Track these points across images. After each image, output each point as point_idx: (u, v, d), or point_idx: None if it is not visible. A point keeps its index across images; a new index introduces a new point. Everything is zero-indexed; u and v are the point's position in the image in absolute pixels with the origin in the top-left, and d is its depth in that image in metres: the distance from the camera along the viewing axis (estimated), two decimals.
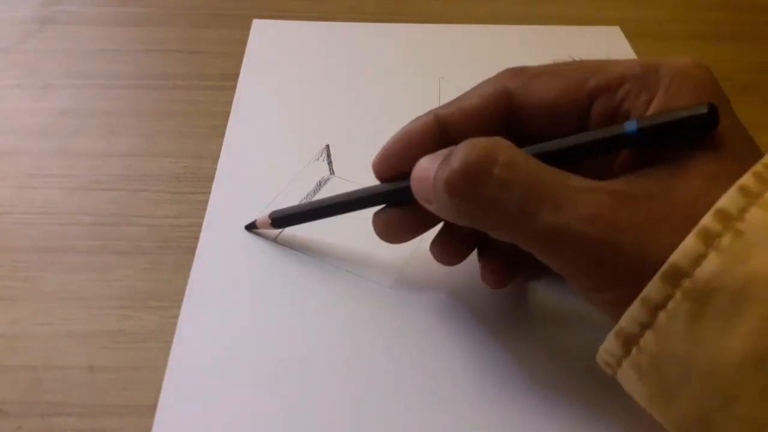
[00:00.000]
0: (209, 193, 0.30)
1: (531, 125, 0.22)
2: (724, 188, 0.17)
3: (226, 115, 0.35)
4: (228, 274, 0.27)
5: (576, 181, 0.19)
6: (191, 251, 0.28)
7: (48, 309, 0.26)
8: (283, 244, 0.28)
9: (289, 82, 0.37)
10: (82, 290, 0.27)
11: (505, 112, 0.22)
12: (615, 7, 0.45)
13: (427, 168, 0.21)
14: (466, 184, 0.19)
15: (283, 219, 0.28)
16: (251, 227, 0.29)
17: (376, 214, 0.25)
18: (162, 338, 0.25)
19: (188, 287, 0.26)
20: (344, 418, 0.23)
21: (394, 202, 0.24)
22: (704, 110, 0.19)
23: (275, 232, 0.29)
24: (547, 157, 0.20)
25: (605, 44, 0.41)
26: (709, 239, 0.17)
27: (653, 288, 0.17)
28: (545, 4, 0.45)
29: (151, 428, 0.22)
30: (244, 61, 0.38)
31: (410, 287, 0.27)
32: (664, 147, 0.20)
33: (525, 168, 0.19)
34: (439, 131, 0.23)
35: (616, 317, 0.19)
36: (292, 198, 0.30)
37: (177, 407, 0.23)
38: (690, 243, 0.17)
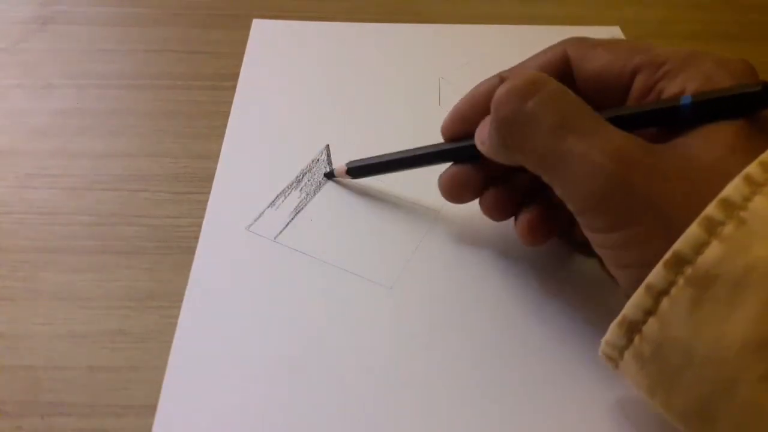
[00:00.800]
0: (209, 193, 0.30)
1: (581, 92, 0.23)
2: (743, 159, 0.18)
3: (226, 115, 0.35)
4: (228, 274, 0.27)
5: (608, 124, 0.20)
6: (191, 251, 0.28)
7: (48, 309, 0.26)
8: (282, 244, 0.28)
9: (289, 82, 0.37)
10: (82, 290, 0.27)
11: (563, 77, 0.23)
12: (615, 7, 0.45)
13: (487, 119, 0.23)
14: (511, 98, 0.21)
15: (358, 169, 0.29)
16: (330, 176, 0.31)
17: (442, 174, 0.27)
18: (162, 338, 0.25)
19: (188, 287, 0.26)
20: (344, 418, 0.23)
21: (462, 158, 0.26)
22: (758, 88, 0.19)
23: (274, 232, 0.29)
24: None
25: None
26: (712, 228, 0.17)
27: (657, 275, 0.18)
28: (545, 4, 0.45)
29: (151, 428, 0.22)
30: (244, 61, 0.38)
31: (410, 287, 0.27)
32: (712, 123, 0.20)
33: (568, 97, 0.21)
34: None
35: (617, 263, 0.20)
36: (292, 198, 0.30)
37: (177, 407, 0.23)
38: (693, 231, 0.17)
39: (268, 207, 0.30)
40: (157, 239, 0.29)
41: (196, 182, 0.31)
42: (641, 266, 0.19)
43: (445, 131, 0.27)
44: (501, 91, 0.22)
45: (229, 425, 0.22)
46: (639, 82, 0.22)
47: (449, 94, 0.37)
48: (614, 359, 0.20)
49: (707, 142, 0.19)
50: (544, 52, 0.25)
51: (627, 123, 0.21)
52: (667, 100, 0.21)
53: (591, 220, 0.20)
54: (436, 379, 0.24)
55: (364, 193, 0.31)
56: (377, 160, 0.29)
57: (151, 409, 0.23)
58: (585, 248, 0.25)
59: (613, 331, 0.19)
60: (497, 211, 0.27)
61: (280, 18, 0.42)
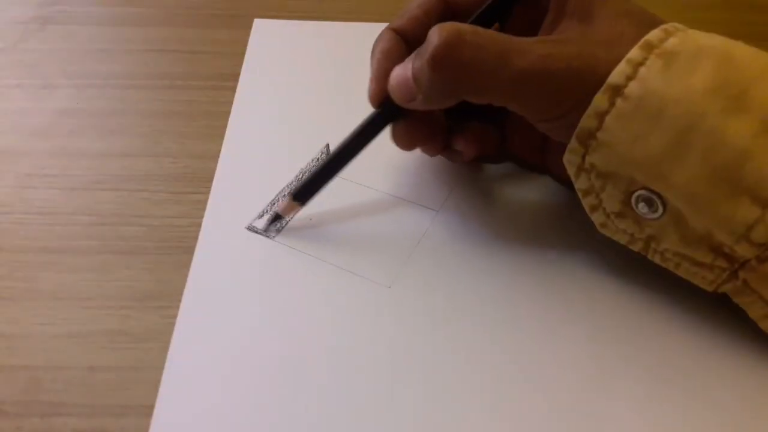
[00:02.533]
0: (209, 193, 0.30)
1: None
2: (635, 21, 0.24)
3: (226, 115, 0.35)
4: (227, 273, 0.27)
5: (524, 39, 0.24)
6: (191, 251, 0.28)
7: (48, 309, 0.26)
8: (282, 244, 0.28)
9: (290, 82, 0.37)
10: (82, 290, 0.27)
11: (444, 15, 0.27)
12: None
13: (400, 70, 0.25)
14: (447, 54, 0.23)
15: (303, 193, 0.28)
16: (277, 218, 0.29)
17: (391, 131, 0.28)
18: (162, 338, 0.25)
19: (187, 287, 0.26)
20: (343, 418, 0.23)
21: (390, 119, 0.27)
22: None
23: (274, 231, 0.29)
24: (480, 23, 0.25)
25: None
26: (662, 37, 0.22)
27: (634, 53, 0.22)
28: None
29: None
30: (245, 60, 0.38)
31: (410, 287, 0.27)
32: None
33: (488, 33, 0.24)
34: (403, 45, 0.27)
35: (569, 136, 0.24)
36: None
37: (175, 407, 0.23)
38: (654, 33, 0.22)
39: (268, 206, 0.30)
40: (157, 239, 0.29)
41: (196, 182, 0.31)
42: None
43: (374, 101, 0.28)
44: (429, 54, 0.23)
45: (228, 425, 0.22)
46: None
47: None
48: (591, 130, 0.23)
49: (588, 22, 0.24)
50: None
51: (493, 14, 0.26)
52: None
53: (548, 115, 0.24)
54: (435, 378, 0.24)
55: (364, 193, 0.31)
56: (315, 174, 0.28)
57: (151, 409, 0.23)
58: (524, 160, 0.31)
59: (596, 99, 0.22)
60: (417, 141, 0.29)
61: (280, 18, 0.42)
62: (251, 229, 0.29)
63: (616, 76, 0.22)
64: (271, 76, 0.37)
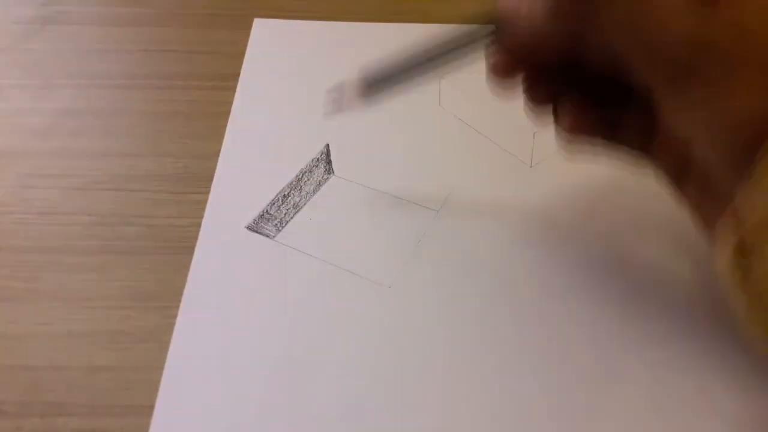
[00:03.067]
0: (209, 192, 0.30)
1: None
2: None
3: (226, 115, 0.35)
4: (226, 273, 0.27)
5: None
6: (191, 251, 0.28)
7: (48, 309, 0.26)
8: (282, 244, 0.28)
9: (290, 82, 0.37)
10: (82, 290, 0.27)
11: None
12: None
13: None
14: None
15: (375, 83, 0.25)
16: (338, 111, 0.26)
17: (491, 62, 0.24)
18: (162, 338, 0.25)
19: (186, 287, 0.26)
20: (343, 418, 0.23)
21: (487, 40, 0.23)
22: None
23: (274, 231, 0.29)
24: None
25: None
26: None
27: None
28: None
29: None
30: (246, 60, 0.38)
31: (410, 287, 0.27)
32: None
33: None
34: None
35: (697, 121, 0.19)
36: (291, 197, 0.30)
37: (175, 407, 0.23)
38: None
39: (268, 206, 0.30)
40: (157, 239, 0.29)
41: (196, 182, 0.31)
42: (732, 111, 0.18)
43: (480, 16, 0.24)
44: None
45: (227, 425, 0.22)
46: None
47: (449, 94, 0.37)
48: (750, 249, 0.18)
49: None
50: None
51: None
52: None
53: (676, 85, 0.19)
54: (435, 378, 0.24)
55: (364, 193, 0.31)
56: (395, 66, 0.25)
57: (151, 409, 0.23)
58: (631, 145, 0.24)
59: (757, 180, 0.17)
60: (537, 94, 0.24)
61: (281, 17, 0.42)
62: (251, 228, 0.29)
63: None
64: (271, 76, 0.37)
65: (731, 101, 0.18)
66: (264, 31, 0.41)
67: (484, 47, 0.24)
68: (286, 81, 0.37)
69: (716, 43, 0.18)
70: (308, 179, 0.31)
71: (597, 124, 0.24)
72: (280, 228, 0.29)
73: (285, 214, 0.30)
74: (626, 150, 0.24)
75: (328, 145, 0.33)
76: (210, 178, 0.31)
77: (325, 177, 0.32)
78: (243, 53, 0.39)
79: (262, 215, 0.29)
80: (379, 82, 0.25)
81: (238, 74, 0.37)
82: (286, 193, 0.30)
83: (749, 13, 0.18)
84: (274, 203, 0.30)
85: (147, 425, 0.22)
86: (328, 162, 0.32)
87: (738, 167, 0.18)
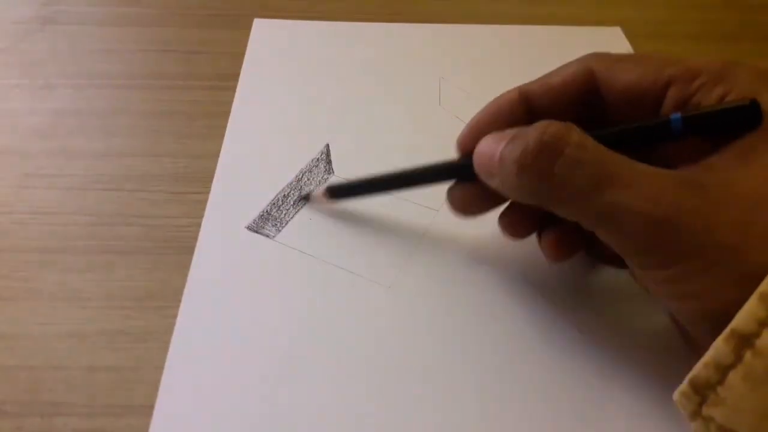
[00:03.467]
0: (209, 192, 0.30)
1: (610, 107, 0.23)
2: None
3: (226, 115, 0.35)
4: (226, 273, 0.27)
5: (642, 166, 0.20)
6: (191, 251, 0.28)
7: (48, 309, 0.26)
8: (282, 244, 0.28)
9: (289, 82, 0.37)
10: (82, 290, 0.27)
11: (587, 92, 0.24)
12: (615, 7, 0.45)
13: (492, 145, 0.22)
14: (537, 163, 0.20)
15: (339, 191, 0.28)
16: (306, 198, 0.30)
17: (449, 189, 0.26)
18: (162, 338, 0.25)
19: (187, 286, 0.26)
20: (342, 418, 0.23)
21: (460, 178, 0.25)
22: (745, 103, 0.19)
23: (274, 231, 0.29)
24: (605, 141, 0.21)
25: (605, 44, 0.41)
26: None
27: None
28: (546, 4, 0.45)
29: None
30: (246, 60, 0.38)
31: (409, 287, 0.27)
32: (711, 139, 0.20)
33: (594, 150, 0.20)
34: (523, 106, 0.24)
35: (669, 295, 0.20)
36: (291, 197, 0.30)
37: (174, 407, 0.23)
38: None
39: (268, 206, 0.30)
40: (157, 239, 0.29)
41: (196, 182, 0.31)
42: (700, 296, 0.19)
43: (462, 145, 0.25)
44: (519, 151, 0.21)
45: (227, 425, 0.22)
46: (672, 95, 0.22)
47: (449, 94, 0.37)
48: (708, 388, 0.18)
49: (750, 168, 0.19)
50: (567, 66, 0.24)
51: (619, 141, 0.21)
52: (659, 118, 0.21)
53: (641, 261, 0.20)
54: (434, 378, 0.24)
55: None
56: (361, 182, 0.28)
57: (151, 409, 0.23)
58: (613, 263, 0.26)
59: (718, 347, 0.18)
60: (516, 230, 0.26)
61: (280, 18, 0.42)
62: (251, 228, 0.29)
63: (743, 320, 0.17)
64: (270, 76, 0.37)
65: (688, 285, 0.19)
66: (264, 32, 0.41)
67: (453, 180, 0.26)
68: (286, 81, 0.37)
69: (680, 227, 0.19)
70: (308, 179, 0.31)
71: (578, 243, 0.25)
72: (280, 228, 0.29)
73: (285, 214, 0.30)
74: (608, 263, 0.26)
75: (328, 145, 0.33)
76: (210, 178, 0.31)
77: (325, 177, 0.32)
78: (243, 53, 0.39)
79: (262, 215, 0.29)
80: (342, 191, 0.28)
81: (237, 74, 0.37)
82: (286, 193, 0.30)
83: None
84: (274, 203, 0.30)
85: (147, 425, 0.22)
86: (328, 162, 0.32)
87: (705, 339, 0.19)
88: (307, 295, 0.26)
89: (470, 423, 0.23)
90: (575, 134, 0.20)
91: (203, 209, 0.30)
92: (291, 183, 0.31)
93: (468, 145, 0.25)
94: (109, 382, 0.24)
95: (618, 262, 0.22)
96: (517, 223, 0.26)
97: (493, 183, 0.23)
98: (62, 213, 0.30)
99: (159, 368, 0.24)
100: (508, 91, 0.25)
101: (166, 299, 0.26)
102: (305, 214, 0.30)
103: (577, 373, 0.24)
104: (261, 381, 0.24)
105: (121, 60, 0.39)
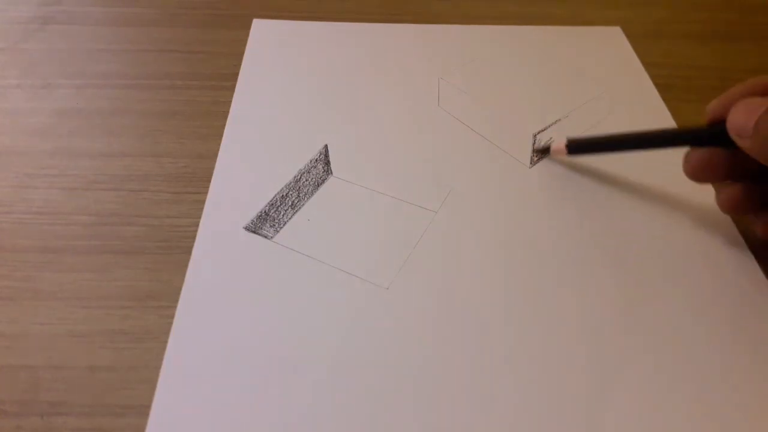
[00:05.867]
0: (208, 192, 0.30)
1: None
2: None
3: (226, 115, 0.35)
4: (224, 273, 0.27)
5: None
6: (190, 251, 0.28)
7: (48, 309, 0.26)
8: (280, 245, 0.28)
9: (289, 82, 0.37)
10: (82, 290, 0.27)
11: None
12: (615, 7, 0.45)
13: (751, 107, 0.24)
14: None
15: (579, 146, 0.29)
16: (545, 151, 0.31)
17: (687, 154, 0.27)
18: (161, 338, 0.25)
19: (184, 287, 0.26)
20: (340, 419, 0.23)
21: (704, 142, 0.27)
22: None
23: (272, 232, 0.29)
24: None
25: (606, 44, 0.41)
26: None
27: None
28: (545, 4, 0.45)
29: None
30: (244, 61, 0.38)
31: (408, 288, 0.27)
32: None
33: None
34: None
35: None
36: (290, 198, 0.30)
37: (171, 407, 0.23)
38: None
39: (266, 207, 0.30)
40: (157, 239, 0.29)
41: (196, 182, 0.31)
42: None
43: (713, 111, 0.27)
44: None
45: (224, 425, 0.22)
46: None
47: (449, 94, 0.37)
48: None
49: None
50: None
51: None
52: None
53: None
54: (433, 379, 0.24)
55: (362, 193, 0.31)
56: (602, 137, 0.29)
57: (150, 408, 0.23)
58: None
59: None
60: (734, 207, 0.27)
61: (280, 18, 0.42)
62: (249, 229, 0.29)
63: None
64: (269, 76, 0.38)
65: None
66: (263, 32, 0.41)
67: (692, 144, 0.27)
68: (285, 81, 0.37)
69: None
70: (307, 180, 0.31)
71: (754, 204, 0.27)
72: (278, 229, 0.29)
73: (283, 215, 0.30)
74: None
75: (326, 146, 0.33)
76: (209, 178, 0.31)
77: (324, 177, 0.32)
78: (243, 53, 0.39)
79: (261, 216, 0.29)
80: (582, 147, 0.29)
81: (237, 74, 0.37)
82: (284, 193, 0.30)
83: None
84: (272, 204, 0.30)
85: (146, 425, 0.22)
86: (327, 162, 0.32)
87: None
88: (304, 295, 0.26)
89: (469, 423, 0.23)
90: None
91: (202, 209, 0.30)
92: (289, 183, 0.31)
93: (719, 112, 0.26)
94: (108, 381, 0.24)
95: None
96: (736, 199, 0.27)
97: (745, 144, 0.24)
98: (62, 213, 0.30)
99: (158, 368, 0.24)
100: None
101: (166, 299, 0.26)
102: (303, 214, 0.30)
103: (576, 373, 0.24)
104: (258, 381, 0.24)
105: (121, 60, 0.39)
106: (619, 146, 0.29)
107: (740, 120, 0.24)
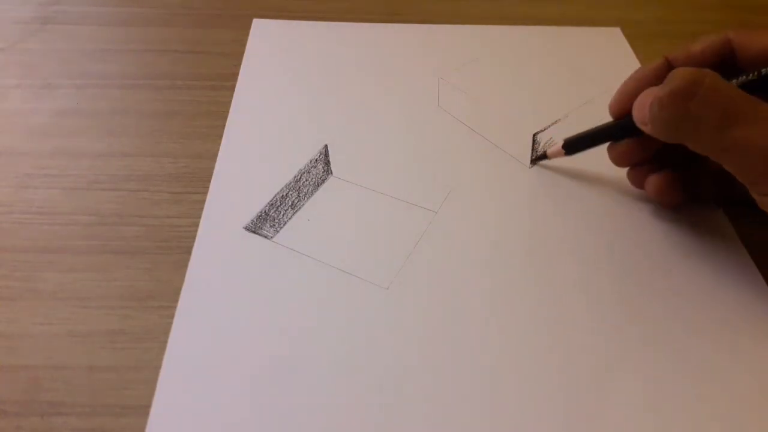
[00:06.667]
0: (208, 192, 0.30)
1: (746, 69, 0.26)
2: None
3: (226, 115, 0.35)
4: (224, 273, 0.27)
5: (766, 106, 0.24)
6: (190, 251, 0.28)
7: (48, 309, 0.26)
8: (280, 245, 0.28)
9: (289, 82, 0.37)
10: (82, 290, 0.27)
11: (724, 58, 0.28)
12: (615, 7, 0.45)
13: (646, 95, 0.26)
14: (674, 101, 0.24)
15: (573, 144, 0.31)
16: (540, 159, 0.33)
17: (609, 146, 0.30)
18: (161, 338, 0.25)
19: (184, 287, 0.26)
20: (340, 418, 0.23)
21: (631, 134, 0.29)
22: None
23: (272, 232, 0.29)
24: (744, 88, 0.24)
25: (605, 45, 0.41)
26: None
27: None
28: (545, 4, 0.45)
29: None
30: (244, 61, 0.38)
31: (407, 288, 0.27)
32: None
33: (726, 91, 0.24)
34: (667, 71, 0.26)
35: None
36: (289, 198, 0.30)
37: (171, 407, 0.23)
38: None
39: (266, 207, 0.30)
40: (157, 239, 0.29)
41: (196, 182, 0.31)
42: None
43: (612, 109, 0.29)
44: (662, 93, 0.24)
45: (224, 425, 0.22)
46: None
47: (449, 94, 0.37)
48: None
49: None
50: (706, 36, 0.28)
51: (752, 88, 0.25)
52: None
53: (761, 188, 0.25)
54: (432, 379, 0.24)
55: (362, 193, 0.31)
56: (591, 132, 0.31)
57: (150, 408, 0.23)
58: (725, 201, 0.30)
59: None
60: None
61: (280, 18, 0.42)
62: (249, 229, 0.29)
63: None
64: (269, 76, 0.38)
65: None
66: (263, 32, 0.41)
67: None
68: (285, 81, 0.37)
69: None
70: (306, 180, 0.31)
71: (679, 191, 0.29)
72: (278, 229, 0.29)
73: (283, 215, 0.30)
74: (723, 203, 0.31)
75: (326, 146, 0.33)
76: (209, 178, 0.31)
77: (324, 177, 0.32)
78: (243, 53, 0.39)
79: (260, 216, 0.29)
80: (577, 145, 0.31)
81: (237, 74, 0.37)
82: (284, 193, 0.30)
83: None
84: (272, 204, 0.30)
85: (146, 425, 0.22)
86: (327, 162, 0.32)
87: None
88: (304, 295, 0.26)
89: (469, 423, 0.23)
90: (708, 78, 0.24)
91: (202, 209, 0.30)
92: (289, 183, 0.31)
93: (617, 110, 0.29)
94: (108, 381, 0.24)
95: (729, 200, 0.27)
96: (660, 186, 0.29)
97: (647, 129, 0.26)
98: (62, 213, 0.30)
99: (158, 368, 0.24)
100: (654, 60, 0.28)
101: (166, 299, 0.26)
102: (303, 214, 0.30)
103: (576, 373, 0.24)
104: (258, 381, 0.24)
105: (121, 60, 0.39)
106: (603, 138, 0.30)
107: (640, 111, 0.27)
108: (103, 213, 0.30)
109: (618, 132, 0.29)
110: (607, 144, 0.30)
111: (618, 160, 0.30)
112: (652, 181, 0.29)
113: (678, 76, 0.24)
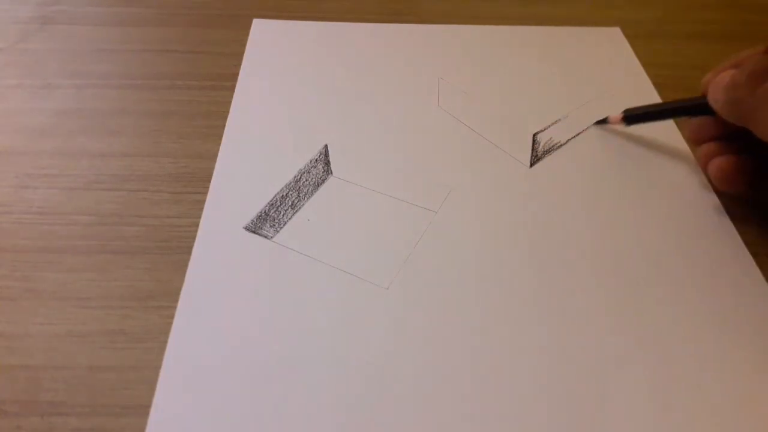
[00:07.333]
0: (208, 192, 0.30)
1: None
2: None
3: (226, 115, 0.35)
4: (224, 273, 0.27)
5: None
6: (190, 251, 0.28)
7: (48, 309, 0.26)
8: (280, 245, 0.28)
9: (289, 82, 0.37)
10: (82, 290, 0.27)
11: None
12: (615, 7, 0.45)
13: (724, 75, 0.28)
14: (747, 83, 0.26)
15: (636, 116, 0.33)
16: (603, 122, 0.34)
17: (693, 121, 0.32)
18: (161, 338, 0.25)
19: (184, 287, 0.26)
20: (339, 418, 0.23)
21: (700, 112, 0.31)
22: None
23: (272, 232, 0.29)
24: None
25: (605, 45, 0.41)
26: None
27: None
28: (545, 4, 0.45)
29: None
30: (244, 61, 0.38)
31: (407, 288, 0.27)
32: None
33: None
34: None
35: None
36: (289, 198, 0.30)
37: (172, 406, 0.23)
38: None
39: (266, 207, 0.30)
40: (157, 239, 0.29)
41: (196, 182, 0.31)
42: None
43: (704, 85, 0.30)
44: (738, 73, 0.26)
45: (224, 425, 0.22)
46: None
47: (449, 94, 0.37)
48: None
49: None
50: None
51: None
52: None
53: None
54: (431, 380, 0.24)
55: (362, 193, 0.31)
56: (651, 109, 0.33)
57: (150, 409, 0.23)
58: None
59: None
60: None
61: (280, 18, 0.42)
62: (249, 229, 0.29)
63: None
64: (269, 77, 0.38)
65: None
66: (263, 32, 0.41)
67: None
68: (285, 81, 0.37)
69: None
70: (306, 180, 0.31)
71: (742, 177, 0.30)
72: (278, 229, 0.29)
73: (283, 215, 0.30)
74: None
75: (326, 146, 0.33)
76: (209, 178, 0.31)
77: (324, 177, 0.32)
78: (243, 53, 0.39)
79: (260, 216, 0.29)
80: (639, 118, 0.33)
81: (237, 74, 0.37)
82: (284, 193, 0.30)
83: None
84: (272, 204, 0.30)
85: (146, 425, 0.22)
86: (327, 162, 0.32)
87: None
88: (304, 296, 0.26)
89: (469, 423, 0.23)
90: None
91: (202, 209, 0.30)
92: (289, 183, 0.31)
93: (706, 87, 0.30)
94: (108, 381, 0.24)
95: None
96: (725, 169, 0.30)
97: (717, 106, 0.28)
98: (62, 213, 0.30)
99: (158, 368, 0.24)
100: (754, 47, 0.29)
101: (166, 299, 0.26)
102: (303, 214, 0.30)
103: (576, 373, 0.24)
104: (258, 381, 0.24)
105: (121, 60, 0.39)
106: (665, 114, 0.33)
107: (715, 89, 0.28)
108: (103, 213, 0.30)
109: (686, 109, 0.31)
110: (666, 121, 0.32)
111: (691, 134, 0.32)
112: (716, 162, 0.30)
113: (757, 60, 0.26)
